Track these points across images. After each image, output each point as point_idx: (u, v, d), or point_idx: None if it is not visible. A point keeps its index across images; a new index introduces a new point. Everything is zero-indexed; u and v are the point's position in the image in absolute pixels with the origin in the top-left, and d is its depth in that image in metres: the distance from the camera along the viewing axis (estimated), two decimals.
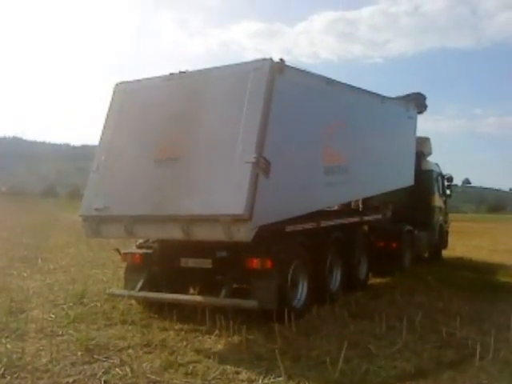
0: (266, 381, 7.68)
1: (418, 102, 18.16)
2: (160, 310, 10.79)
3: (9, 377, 7.86)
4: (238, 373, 7.98)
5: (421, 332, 9.96)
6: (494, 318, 11.25)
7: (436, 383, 7.80)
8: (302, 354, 8.69)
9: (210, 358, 8.59)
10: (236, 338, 9.45)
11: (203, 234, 9.44)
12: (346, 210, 15.81)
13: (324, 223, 12.03)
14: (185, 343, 9.30)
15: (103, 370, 8.01)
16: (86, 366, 8.17)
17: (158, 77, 11.07)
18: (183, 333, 9.80)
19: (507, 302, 12.95)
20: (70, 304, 11.81)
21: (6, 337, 9.47)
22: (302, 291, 10.87)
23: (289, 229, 10.59)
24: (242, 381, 7.75)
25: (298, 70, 10.68)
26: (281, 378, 7.64)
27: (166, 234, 10.06)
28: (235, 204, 8.90)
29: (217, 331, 9.66)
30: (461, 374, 8.20)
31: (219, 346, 9.22)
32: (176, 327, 10.08)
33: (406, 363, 8.50)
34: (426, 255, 20.83)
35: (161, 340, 9.39)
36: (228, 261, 10.37)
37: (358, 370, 8.11)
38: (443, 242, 21.81)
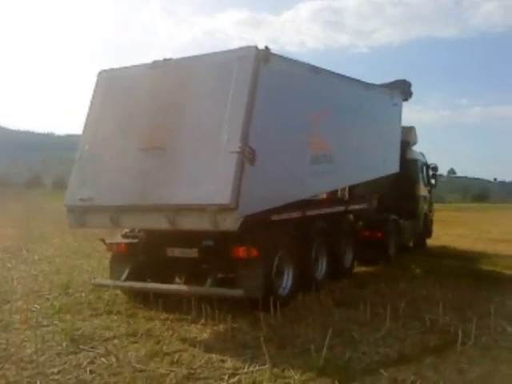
0: (251, 369, 7.72)
1: (402, 89, 18.17)
2: (146, 299, 10.79)
3: None
4: (223, 361, 8.03)
5: (404, 319, 10.08)
6: (476, 305, 11.37)
7: (418, 368, 7.84)
8: (287, 341, 8.78)
9: (195, 346, 8.65)
10: (222, 327, 9.52)
11: (189, 223, 9.47)
12: (332, 199, 15.86)
13: (310, 212, 12.10)
14: (170, 332, 9.34)
15: (89, 360, 8.03)
16: (71, 356, 8.18)
17: (143, 64, 10.99)
18: (169, 322, 9.84)
19: (489, 289, 13.09)
20: (55, 294, 11.83)
21: None
22: (288, 280, 10.93)
23: (275, 218, 10.66)
24: (228, 369, 7.78)
25: (283, 57, 10.69)
26: (266, 366, 7.67)
27: (152, 223, 10.07)
28: (221, 194, 8.94)
29: (202, 320, 9.71)
30: (443, 359, 8.30)
31: (205, 335, 9.28)
32: (162, 317, 10.12)
33: (389, 349, 8.62)
34: (411, 244, 20.93)
35: (146, 329, 9.42)
36: (214, 250, 10.40)
37: (342, 356, 8.20)
38: (428, 231, 21.93)
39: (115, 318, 10.16)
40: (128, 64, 11.30)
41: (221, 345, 8.71)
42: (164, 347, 8.59)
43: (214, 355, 8.24)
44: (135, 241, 11.24)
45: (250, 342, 8.76)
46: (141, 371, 7.71)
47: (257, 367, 7.76)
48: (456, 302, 11.46)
